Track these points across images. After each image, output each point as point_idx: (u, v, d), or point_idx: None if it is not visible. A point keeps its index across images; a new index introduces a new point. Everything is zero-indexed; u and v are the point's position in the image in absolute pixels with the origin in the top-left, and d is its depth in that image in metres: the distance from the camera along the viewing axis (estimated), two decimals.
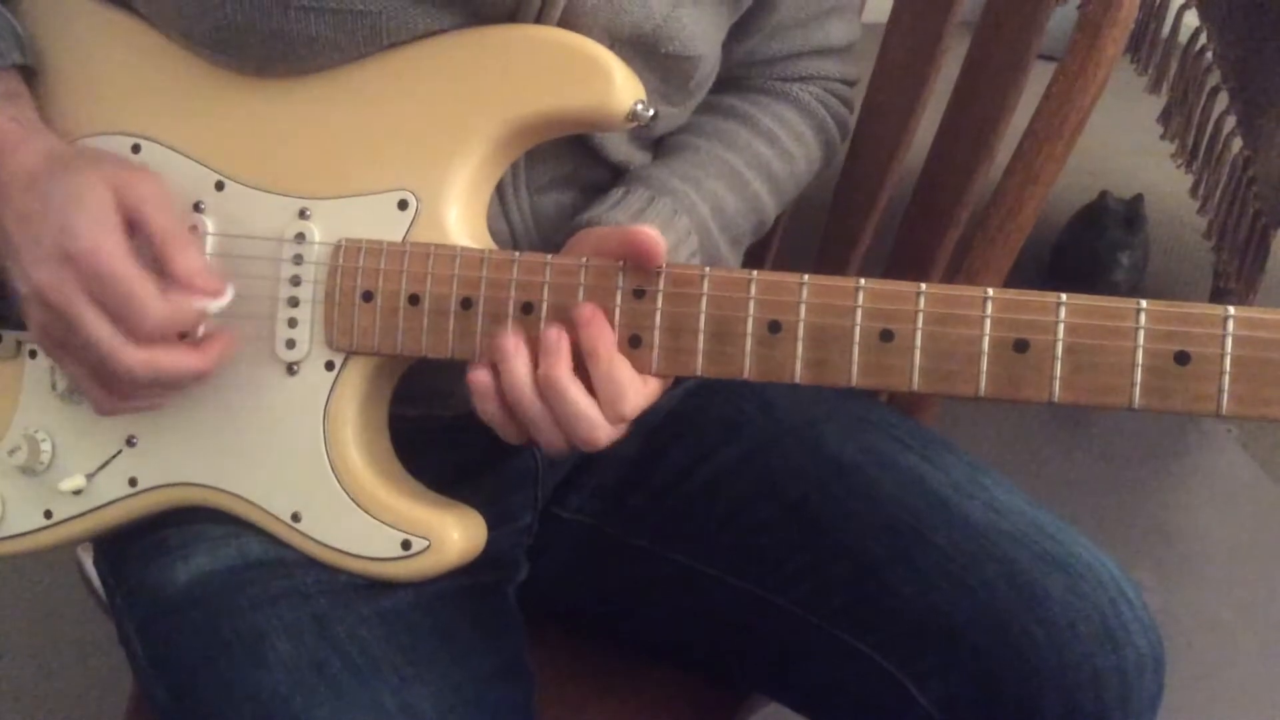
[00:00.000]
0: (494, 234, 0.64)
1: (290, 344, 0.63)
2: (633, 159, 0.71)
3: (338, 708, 0.59)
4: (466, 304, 0.60)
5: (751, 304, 0.56)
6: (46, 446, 0.66)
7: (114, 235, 0.58)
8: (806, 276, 0.56)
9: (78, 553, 0.81)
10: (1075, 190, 2.00)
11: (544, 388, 0.57)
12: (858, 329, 0.55)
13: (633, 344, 0.58)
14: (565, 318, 0.58)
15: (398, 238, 0.61)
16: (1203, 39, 1.70)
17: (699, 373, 0.57)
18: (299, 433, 0.63)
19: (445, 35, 0.61)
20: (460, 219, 0.62)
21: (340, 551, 0.63)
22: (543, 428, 0.58)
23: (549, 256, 0.59)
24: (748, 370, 0.57)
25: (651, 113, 0.61)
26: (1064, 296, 0.52)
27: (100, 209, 0.58)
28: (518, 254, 0.60)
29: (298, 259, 0.63)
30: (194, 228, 0.64)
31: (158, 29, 0.65)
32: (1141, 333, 0.51)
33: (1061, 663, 0.61)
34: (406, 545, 0.62)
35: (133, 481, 0.66)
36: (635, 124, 0.61)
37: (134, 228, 0.59)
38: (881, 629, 0.66)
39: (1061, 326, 0.52)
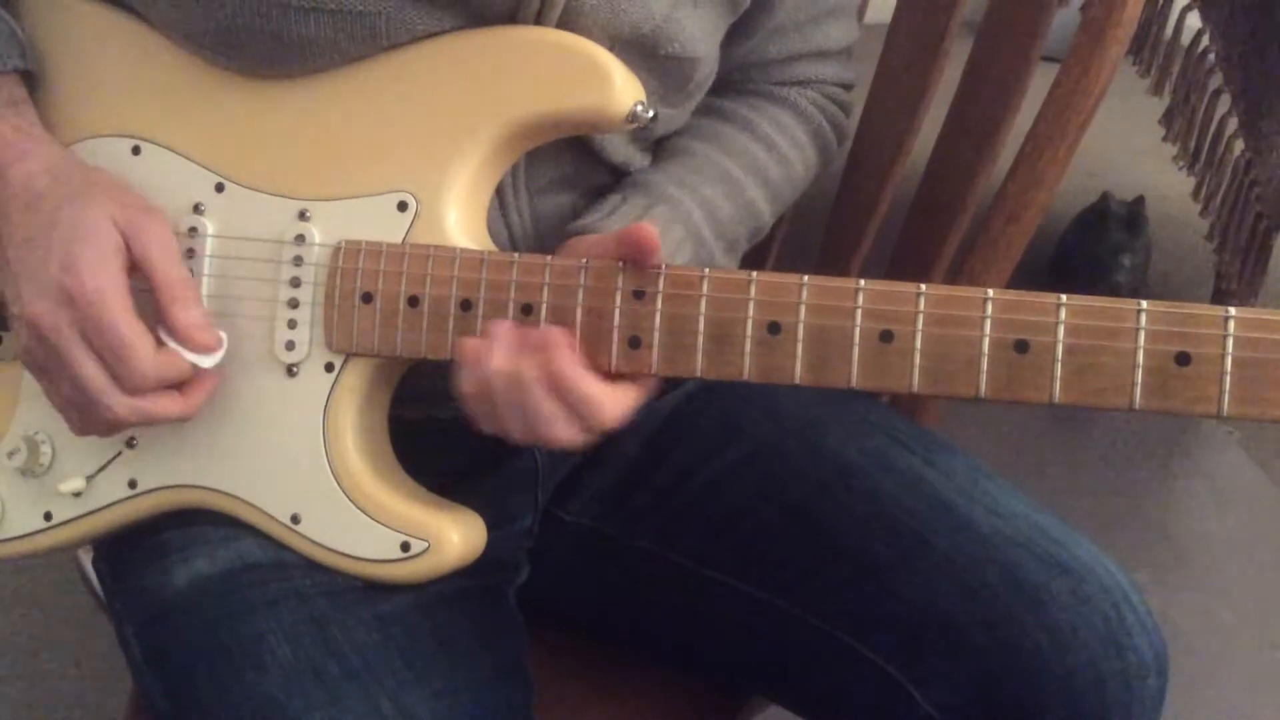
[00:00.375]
0: (493, 236, 0.64)
1: (290, 346, 0.63)
2: (632, 160, 0.71)
3: (335, 712, 0.58)
4: (466, 306, 0.60)
5: (751, 305, 0.56)
6: (46, 448, 0.66)
7: (116, 280, 0.58)
8: (806, 277, 0.56)
9: (78, 554, 0.81)
10: (1077, 192, 2.00)
11: (512, 385, 0.57)
12: (858, 330, 0.55)
13: (632, 345, 0.58)
14: (559, 322, 0.58)
15: (397, 239, 0.61)
16: (1205, 41, 1.70)
17: (699, 374, 0.57)
18: (298, 434, 0.63)
19: (444, 36, 0.61)
20: (460, 220, 0.62)
21: (339, 553, 0.63)
22: (511, 418, 0.58)
23: (548, 258, 0.59)
24: (747, 371, 0.57)
25: (651, 113, 0.61)
26: (1064, 297, 0.52)
27: (105, 250, 0.58)
28: (517, 255, 0.60)
29: (297, 260, 0.63)
30: (193, 229, 0.64)
31: (158, 31, 0.65)
32: (1142, 333, 0.51)
33: (1065, 666, 0.61)
34: (405, 547, 0.62)
35: (132, 483, 0.66)
36: (635, 125, 0.61)
37: (136, 270, 0.60)
38: (883, 632, 0.66)
39: (1062, 327, 0.52)
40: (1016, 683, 0.62)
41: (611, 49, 0.61)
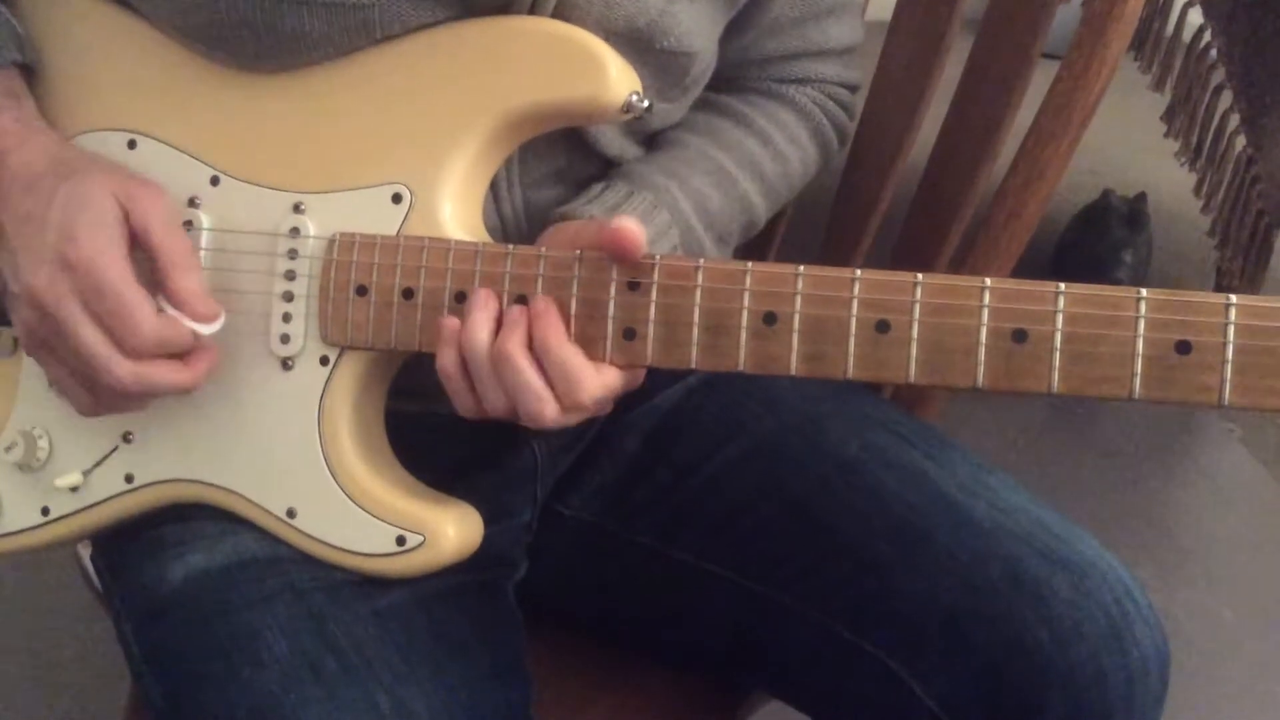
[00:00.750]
0: (487, 229, 0.64)
1: (285, 339, 0.63)
2: (627, 154, 0.71)
3: (331, 706, 0.58)
4: (460, 298, 0.60)
5: (746, 296, 0.56)
6: (43, 443, 0.66)
7: (116, 246, 0.58)
8: (802, 267, 0.55)
9: (77, 549, 0.81)
10: (1078, 189, 2.00)
11: (496, 358, 0.57)
12: (854, 320, 0.54)
13: (627, 336, 0.58)
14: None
15: (392, 231, 0.61)
16: (1206, 37, 1.70)
17: (694, 365, 0.57)
18: (294, 428, 0.63)
19: (438, 28, 0.61)
20: (455, 212, 0.61)
21: (335, 547, 0.63)
22: (491, 392, 0.58)
23: (543, 249, 0.59)
24: (743, 362, 0.56)
25: (646, 104, 0.61)
26: (1062, 286, 0.52)
27: (104, 218, 0.58)
28: (512, 247, 0.59)
29: (292, 253, 0.63)
30: (188, 222, 0.64)
31: (153, 25, 0.65)
32: (1141, 322, 0.51)
33: (1067, 662, 0.61)
34: (401, 541, 0.62)
35: (129, 478, 0.66)
36: (631, 115, 0.61)
37: (137, 241, 0.60)
38: (885, 627, 0.66)
39: (1060, 316, 0.52)
40: (1019, 678, 0.61)
41: (606, 42, 0.61)
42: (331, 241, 0.62)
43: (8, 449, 0.67)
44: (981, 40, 0.80)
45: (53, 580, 1.37)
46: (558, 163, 0.68)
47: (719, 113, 0.75)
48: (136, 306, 0.58)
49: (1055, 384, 0.52)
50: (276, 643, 0.61)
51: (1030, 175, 0.71)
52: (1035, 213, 0.72)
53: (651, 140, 0.74)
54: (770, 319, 0.56)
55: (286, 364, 0.63)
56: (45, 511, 0.67)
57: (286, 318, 0.63)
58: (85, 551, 0.77)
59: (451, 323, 0.59)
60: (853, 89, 0.82)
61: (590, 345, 0.58)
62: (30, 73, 0.66)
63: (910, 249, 0.84)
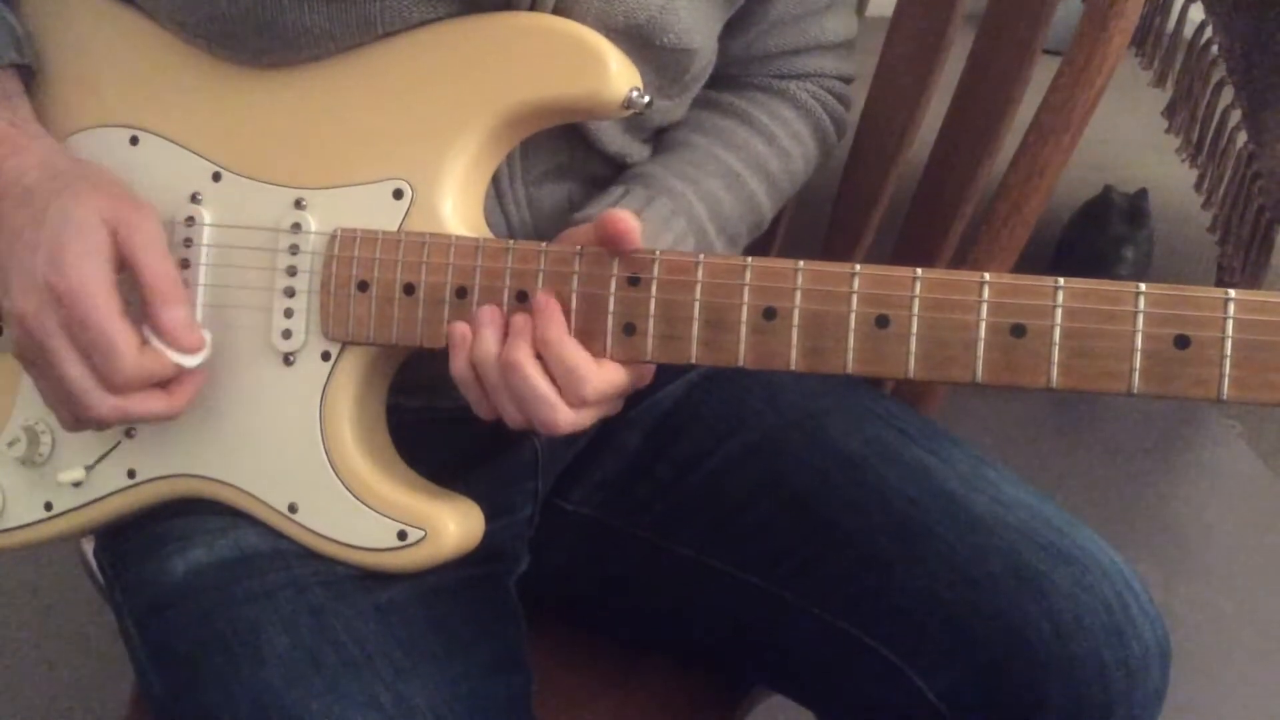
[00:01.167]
0: (491, 226, 0.64)
1: (286, 334, 0.63)
2: (628, 150, 0.71)
3: (332, 701, 0.58)
4: (461, 293, 0.60)
5: (746, 291, 0.56)
6: (46, 439, 0.66)
7: (101, 277, 0.58)
8: (802, 262, 0.55)
9: (80, 543, 0.81)
10: (1079, 185, 2.00)
11: (504, 367, 0.58)
12: (853, 315, 0.54)
13: (627, 331, 0.58)
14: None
15: (393, 227, 0.61)
16: (1208, 33, 1.70)
17: (694, 360, 0.57)
18: (295, 424, 0.63)
19: (440, 24, 0.61)
20: (456, 208, 0.61)
21: (336, 542, 0.63)
22: (505, 402, 0.59)
23: (543, 244, 0.59)
24: (743, 358, 0.56)
25: (647, 99, 0.61)
26: (1061, 281, 0.52)
27: (92, 246, 0.58)
28: (512, 242, 0.59)
29: (294, 249, 0.63)
30: (189, 219, 0.64)
31: (155, 21, 0.65)
32: (1140, 316, 0.51)
33: (1068, 656, 0.61)
34: (403, 535, 0.62)
35: (131, 473, 0.66)
36: (631, 111, 0.61)
37: (125, 267, 0.59)
38: (886, 622, 0.66)
39: (1059, 311, 0.52)
40: (1020, 672, 0.62)
41: (606, 38, 0.61)
42: (333, 237, 0.62)
43: (10, 444, 0.67)
44: (983, 36, 0.80)
45: (56, 575, 1.37)
46: (559, 159, 0.68)
47: (723, 112, 0.75)
48: (119, 342, 0.58)
49: (1055, 379, 0.52)
50: (278, 637, 0.61)
51: (1031, 171, 0.71)
52: (1036, 209, 0.72)
53: (653, 137, 0.74)
54: (770, 314, 0.56)
55: (288, 359, 0.63)
56: (48, 507, 0.67)
57: (288, 313, 0.63)
58: (88, 546, 0.77)
59: (461, 328, 0.59)
60: (848, 81, 0.82)
61: (590, 340, 0.58)
62: (30, 72, 0.66)
63: (911, 245, 0.84)
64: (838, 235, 0.90)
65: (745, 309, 0.56)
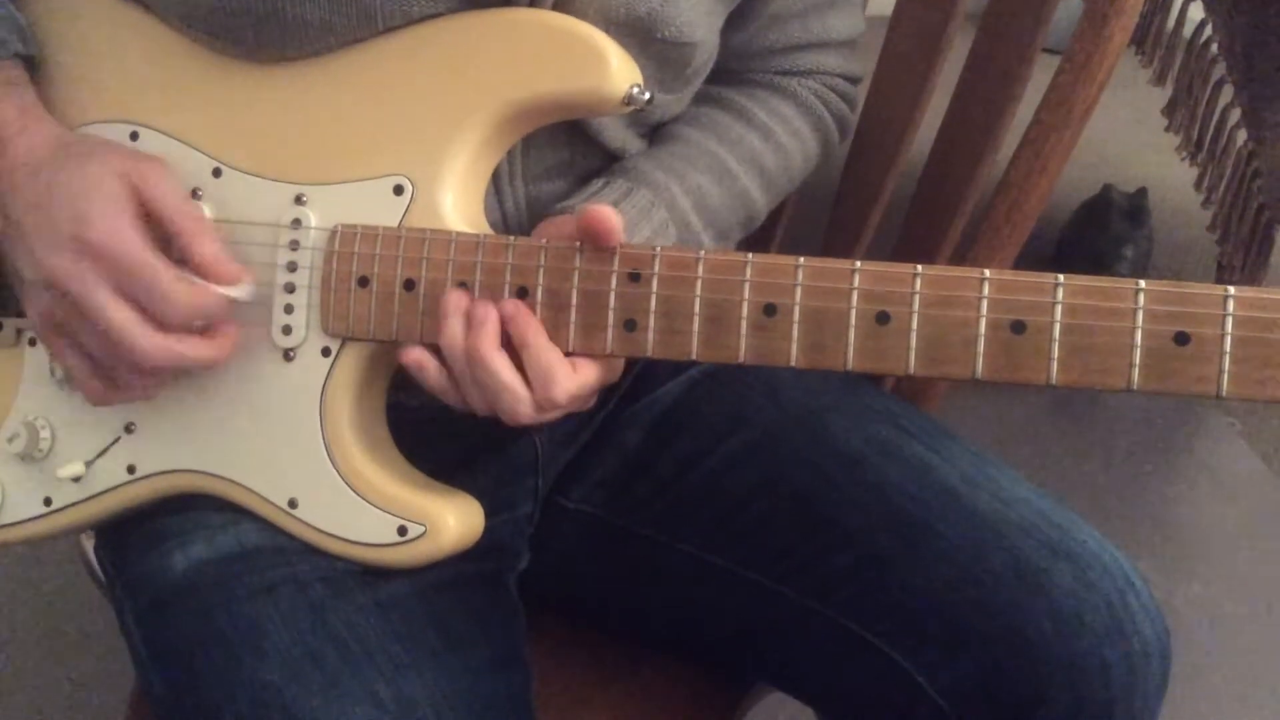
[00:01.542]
0: (489, 223, 0.64)
1: (287, 330, 0.63)
2: (630, 146, 0.71)
3: (332, 697, 0.58)
4: (462, 289, 0.60)
5: (747, 287, 0.56)
6: (46, 434, 0.67)
7: (131, 224, 0.58)
8: (802, 259, 0.55)
9: (81, 539, 0.81)
10: (1079, 183, 2.00)
11: (469, 358, 0.58)
12: (854, 311, 0.55)
13: (628, 328, 0.58)
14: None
15: (393, 223, 0.61)
16: (1208, 31, 1.70)
17: (694, 356, 0.57)
18: (296, 419, 0.63)
19: (440, 19, 0.61)
20: (456, 204, 0.61)
21: (336, 538, 0.63)
22: (470, 390, 0.59)
23: (544, 240, 0.59)
24: (743, 354, 0.56)
25: (648, 96, 0.61)
26: (1061, 277, 0.52)
27: (114, 196, 0.58)
28: (513, 238, 0.60)
29: (294, 245, 0.63)
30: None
31: (156, 16, 0.65)
32: (1140, 313, 0.51)
33: (1069, 653, 0.61)
34: (402, 531, 0.62)
35: (131, 468, 0.66)
36: (632, 108, 0.61)
37: (148, 217, 0.60)
38: (888, 619, 0.66)
39: (1059, 308, 0.52)
40: (1021, 668, 0.62)
41: (607, 32, 0.61)
42: (333, 233, 0.62)
43: (10, 439, 0.67)
44: (983, 34, 0.80)
45: (56, 571, 1.37)
46: (560, 156, 0.68)
47: (721, 107, 0.75)
48: (166, 278, 0.58)
49: (1054, 375, 0.52)
50: (278, 633, 0.61)
51: (1031, 169, 0.71)
52: (1037, 205, 0.72)
53: (654, 133, 0.74)
54: (770, 310, 0.56)
55: (288, 355, 0.63)
56: (48, 502, 0.67)
57: (288, 309, 0.63)
58: (89, 542, 0.77)
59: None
60: (854, 81, 0.82)
61: (591, 336, 0.58)
62: (32, 64, 0.66)
63: (912, 243, 0.84)
64: (838, 232, 0.90)
65: (746, 305, 0.56)
